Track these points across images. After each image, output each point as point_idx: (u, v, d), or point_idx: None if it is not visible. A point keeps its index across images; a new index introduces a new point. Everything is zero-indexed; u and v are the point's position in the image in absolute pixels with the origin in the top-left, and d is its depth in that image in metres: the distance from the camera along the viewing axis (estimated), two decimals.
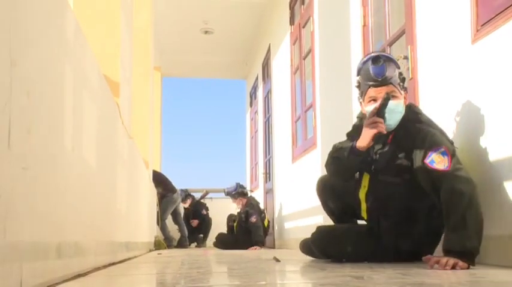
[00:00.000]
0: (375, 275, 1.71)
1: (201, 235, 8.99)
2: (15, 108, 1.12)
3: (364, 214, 2.51)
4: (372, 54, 2.38)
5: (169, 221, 8.11)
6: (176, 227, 8.30)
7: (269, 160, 7.99)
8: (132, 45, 4.22)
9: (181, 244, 8.11)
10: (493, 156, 2.12)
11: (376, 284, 1.42)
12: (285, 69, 6.62)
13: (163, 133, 9.96)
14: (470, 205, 1.96)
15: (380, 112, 2.26)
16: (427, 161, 2.14)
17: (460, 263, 1.87)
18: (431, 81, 2.69)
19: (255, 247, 6.29)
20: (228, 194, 7.17)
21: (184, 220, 8.60)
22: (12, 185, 1.11)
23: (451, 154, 2.11)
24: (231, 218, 7.15)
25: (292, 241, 6.18)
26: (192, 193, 9.20)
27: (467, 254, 1.91)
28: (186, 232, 8.31)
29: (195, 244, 8.89)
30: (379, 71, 2.29)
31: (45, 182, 1.40)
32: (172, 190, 7.96)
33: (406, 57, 2.92)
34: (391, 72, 2.30)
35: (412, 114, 2.36)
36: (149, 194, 6.03)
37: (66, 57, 1.66)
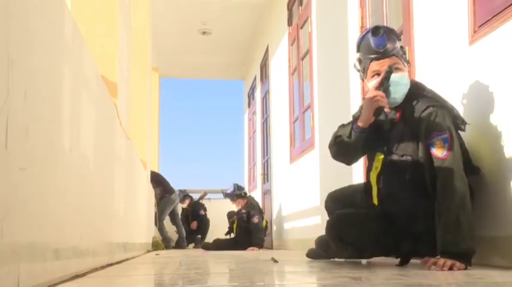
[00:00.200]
0: (372, 276, 1.71)
1: (199, 236, 8.98)
2: (13, 108, 1.11)
3: (375, 200, 2.33)
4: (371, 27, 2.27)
5: (167, 222, 8.11)
6: (174, 228, 8.30)
7: (267, 160, 7.99)
8: (130, 45, 4.21)
9: (179, 245, 8.11)
10: (490, 157, 2.13)
11: (373, 285, 1.43)
12: (283, 70, 6.63)
13: (161, 134, 9.96)
14: (463, 204, 1.96)
15: (383, 85, 2.14)
16: (428, 143, 2.08)
17: (457, 264, 1.87)
18: (429, 82, 2.68)
19: (252, 247, 6.28)
20: (227, 196, 7.10)
21: (183, 221, 8.61)
22: (9, 185, 1.10)
23: (452, 142, 2.03)
24: (231, 215, 7.09)
25: (290, 242, 6.18)
26: (190, 194, 9.20)
27: (464, 255, 1.91)
28: (184, 233, 8.31)
29: (193, 244, 8.89)
30: (380, 42, 2.18)
31: (42, 182, 1.39)
32: (171, 190, 7.96)
33: None
34: (393, 44, 2.19)
35: (418, 89, 2.24)
36: (147, 195, 6.02)
37: (64, 58, 1.66)
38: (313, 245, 3.00)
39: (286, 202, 6.51)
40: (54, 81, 1.54)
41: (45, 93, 1.42)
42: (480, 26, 2.17)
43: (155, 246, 6.73)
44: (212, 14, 7.90)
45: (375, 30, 2.20)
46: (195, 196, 9.37)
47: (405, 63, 2.24)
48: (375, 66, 2.22)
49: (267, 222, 6.99)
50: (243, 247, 6.33)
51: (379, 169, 2.28)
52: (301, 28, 5.77)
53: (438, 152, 2.04)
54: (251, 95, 10.01)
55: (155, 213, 7.39)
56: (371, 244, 2.30)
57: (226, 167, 20.99)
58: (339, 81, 4.23)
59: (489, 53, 2.12)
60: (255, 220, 6.51)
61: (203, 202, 9.41)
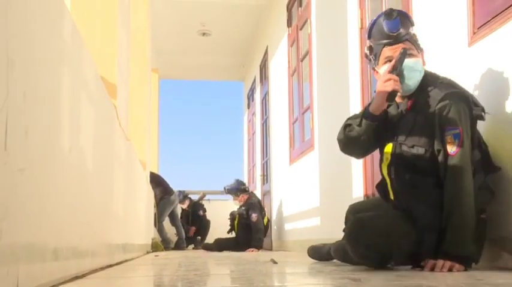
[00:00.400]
0: (372, 277, 1.71)
1: (199, 237, 8.98)
2: (12, 109, 1.11)
3: (390, 193, 2.18)
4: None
5: (166, 223, 8.10)
6: (173, 229, 8.30)
7: (267, 161, 7.98)
8: (129, 46, 4.21)
9: (178, 246, 8.10)
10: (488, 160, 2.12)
11: (373, 286, 1.42)
12: (282, 71, 6.63)
13: (160, 135, 9.96)
14: (470, 207, 1.92)
15: (396, 69, 2.01)
16: (441, 136, 1.98)
17: (457, 265, 1.86)
18: None
19: (252, 249, 6.27)
20: (229, 192, 6.94)
21: (183, 222, 8.60)
22: (9, 186, 1.10)
23: (463, 138, 1.93)
24: (233, 215, 7.00)
25: (290, 243, 6.18)
26: (189, 195, 9.19)
27: (464, 258, 1.90)
28: (184, 234, 8.31)
29: (193, 246, 8.88)
30: (394, 25, 2.05)
31: (42, 183, 1.39)
32: (170, 191, 7.96)
33: None
34: (406, 29, 2.07)
35: (432, 77, 2.11)
36: (146, 196, 6.02)
37: (63, 59, 1.65)
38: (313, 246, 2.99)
39: (286, 203, 6.51)
40: (54, 82, 1.54)
41: (44, 94, 1.41)
42: (479, 27, 2.17)
43: (154, 247, 6.73)
44: (212, 15, 7.90)
45: (389, 13, 2.07)
46: (194, 197, 9.37)
47: (419, 50, 2.13)
48: (387, 52, 2.09)
49: (268, 219, 6.94)
50: (244, 246, 6.33)
51: (389, 159, 2.16)
52: (301, 29, 5.78)
53: (448, 148, 1.96)
54: (250, 96, 10.01)
55: (154, 214, 7.38)
56: (394, 246, 2.02)
57: (226, 168, 21.00)
58: (338, 83, 4.23)
59: (489, 54, 2.12)
60: (254, 218, 6.46)
61: (203, 202, 9.40)
